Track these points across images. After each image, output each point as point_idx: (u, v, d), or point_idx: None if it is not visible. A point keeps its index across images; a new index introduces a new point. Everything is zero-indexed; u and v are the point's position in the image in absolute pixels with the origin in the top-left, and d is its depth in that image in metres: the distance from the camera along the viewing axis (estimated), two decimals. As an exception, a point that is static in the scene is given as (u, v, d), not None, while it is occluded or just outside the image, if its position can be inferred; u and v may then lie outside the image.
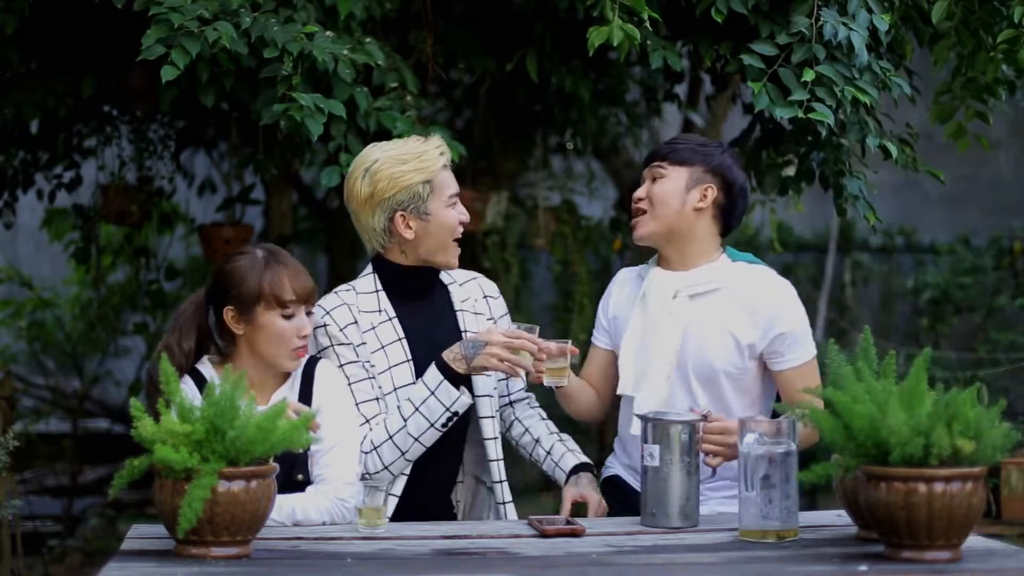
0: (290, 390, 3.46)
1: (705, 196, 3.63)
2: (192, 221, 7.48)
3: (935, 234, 9.60)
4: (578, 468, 3.69)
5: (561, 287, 7.70)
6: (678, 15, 4.47)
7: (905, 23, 4.56)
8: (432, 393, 3.49)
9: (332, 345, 3.56)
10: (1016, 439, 2.90)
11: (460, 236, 3.62)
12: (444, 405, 3.48)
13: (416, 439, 3.50)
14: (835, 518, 3.37)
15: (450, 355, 3.50)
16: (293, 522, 3.34)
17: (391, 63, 4.62)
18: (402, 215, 3.54)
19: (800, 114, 4.08)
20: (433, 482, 3.64)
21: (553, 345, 3.54)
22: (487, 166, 6.65)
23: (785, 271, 9.36)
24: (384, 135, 4.49)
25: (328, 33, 4.26)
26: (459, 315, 3.67)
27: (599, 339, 3.80)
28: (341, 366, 3.55)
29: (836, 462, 2.90)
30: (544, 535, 3.20)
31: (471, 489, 3.72)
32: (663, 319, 3.59)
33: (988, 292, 8.81)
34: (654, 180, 3.69)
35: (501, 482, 3.63)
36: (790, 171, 4.69)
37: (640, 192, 3.70)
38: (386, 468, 3.51)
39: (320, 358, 3.54)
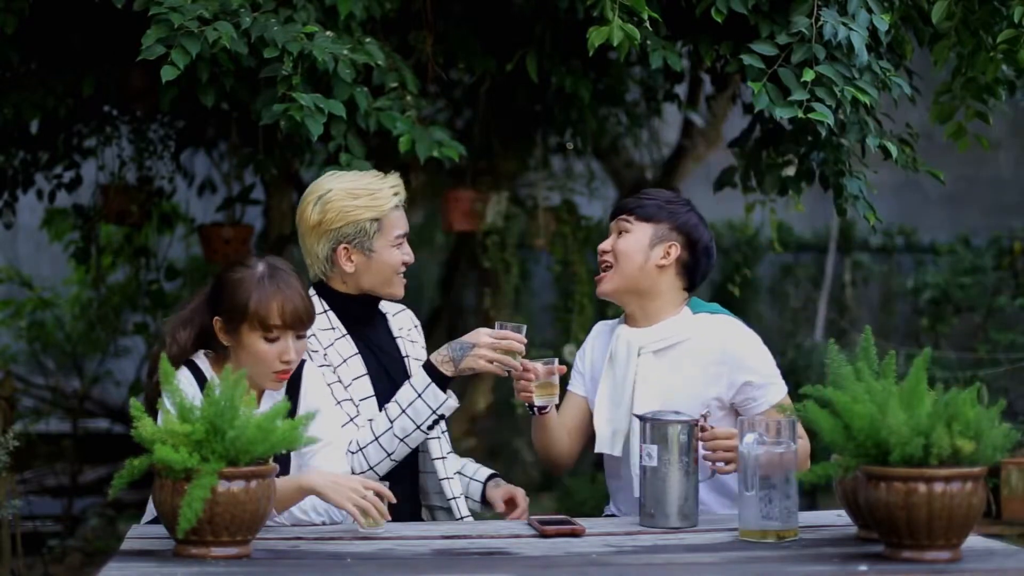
0: (279, 391, 3.46)
1: (668, 254, 3.67)
2: (192, 221, 7.47)
3: (935, 234, 9.59)
4: (491, 476, 3.81)
5: (561, 287, 7.69)
6: (678, 15, 4.47)
7: (905, 23, 4.56)
8: (419, 395, 3.52)
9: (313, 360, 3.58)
10: (1016, 439, 2.90)
11: (404, 272, 3.65)
12: (431, 408, 3.51)
13: (402, 440, 3.52)
14: (835, 518, 3.37)
15: (438, 358, 3.53)
16: (293, 522, 3.34)
17: (391, 63, 4.62)
18: (345, 247, 3.58)
19: (800, 114, 4.08)
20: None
21: (540, 367, 3.56)
22: (487, 166, 6.65)
23: (785, 271, 9.38)
24: (384, 135, 4.50)
25: (328, 33, 4.26)
26: (399, 341, 3.73)
27: (575, 385, 3.84)
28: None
29: (836, 462, 2.90)
30: (544, 535, 3.20)
31: (430, 515, 3.72)
32: (629, 377, 3.63)
33: (988, 292, 8.80)
34: (620, 234, 3.70)
35: (455, 498, 3.66)
36: (790, 171, 4.70)
37: (605, 245, 3.72)
38: (372, 468, 3.52)
39: (305, 359, 3.53)
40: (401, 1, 4.77)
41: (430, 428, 3.53)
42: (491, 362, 3.50)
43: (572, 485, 8.03)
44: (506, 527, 3.36)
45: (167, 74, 3.99)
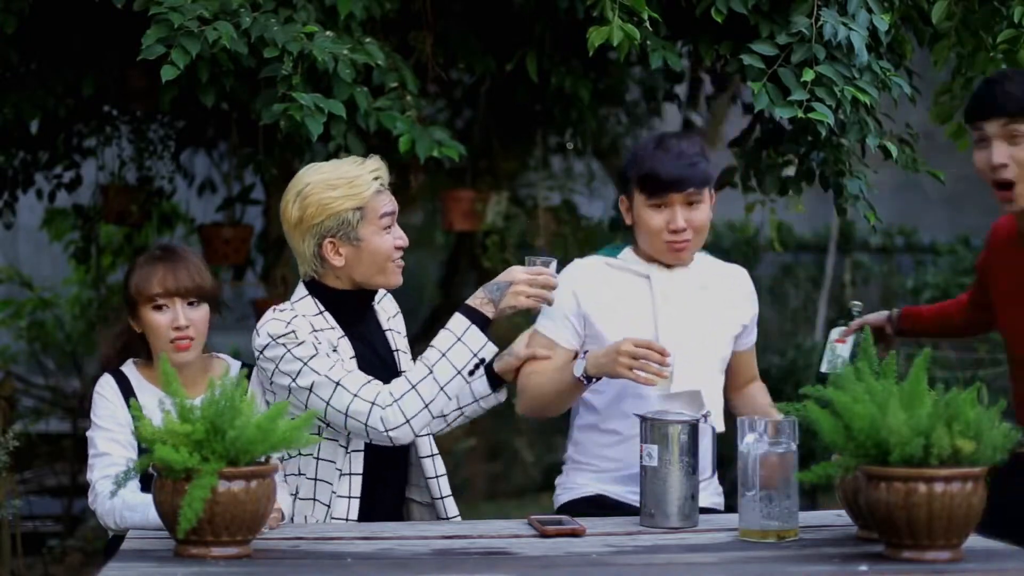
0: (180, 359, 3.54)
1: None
2: (192, 221, 7.47)
3: (935, 234, 9.59)
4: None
5: (561, 287, 7.67)
6: (678, 15, 4.47)
7: (905, 23, 4.56)
8: (459, 339, 3.42)
9: (288, 350, 3.41)
10: (1016, 439, 2.90)
11: (399, 257, 3.55)
12: (472, 350, 3.41)
13: (442, 388, 3.40)
14: (835, 518, 3.37)
15: (475, 301, 3.46)
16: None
17: (391, 63, 4.62)
18: (331, 241, 3.48)
19: (800, 114, 4.08)
20: (382, 507, 3.60)
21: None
22: (487, 166, 6.66)
23: (785, 271, 9.39)
24: (384, 135, 4.50)
25: (328, 33, 4.26)
26: (388, 335, 3.65)
27: (565, 337, 3.67)
28: (304, 363, 3.41)
29: (836, 462, 2.90)
30: (544, 535, 3.20)
31: (407, 512, 3.70)
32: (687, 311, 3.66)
33: (988, 292, 8.79)
34: (692, 207, 3.63)
35: (443, 498, 3.62)
36: (790, 171, 4.69)
37: (681, 222, 3.61)
38: (407, 422, 3.39)
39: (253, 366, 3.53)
40: (401, 1, 4.77)
41: (471, 374, 3.42)
42: (529, 297, 3.46)
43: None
44: (506, 527, 3.36)
45: (167, 74, 3.99)
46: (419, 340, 4.81)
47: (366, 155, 4.47)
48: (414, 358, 3.59)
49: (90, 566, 6.62)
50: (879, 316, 4.12)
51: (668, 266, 3.67)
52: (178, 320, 3.54)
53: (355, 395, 3.40)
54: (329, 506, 3.49)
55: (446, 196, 6.55)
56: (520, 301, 3.46)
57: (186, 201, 7.35)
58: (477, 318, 3.44)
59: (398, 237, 3.54)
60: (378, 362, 3.56)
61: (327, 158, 4.38)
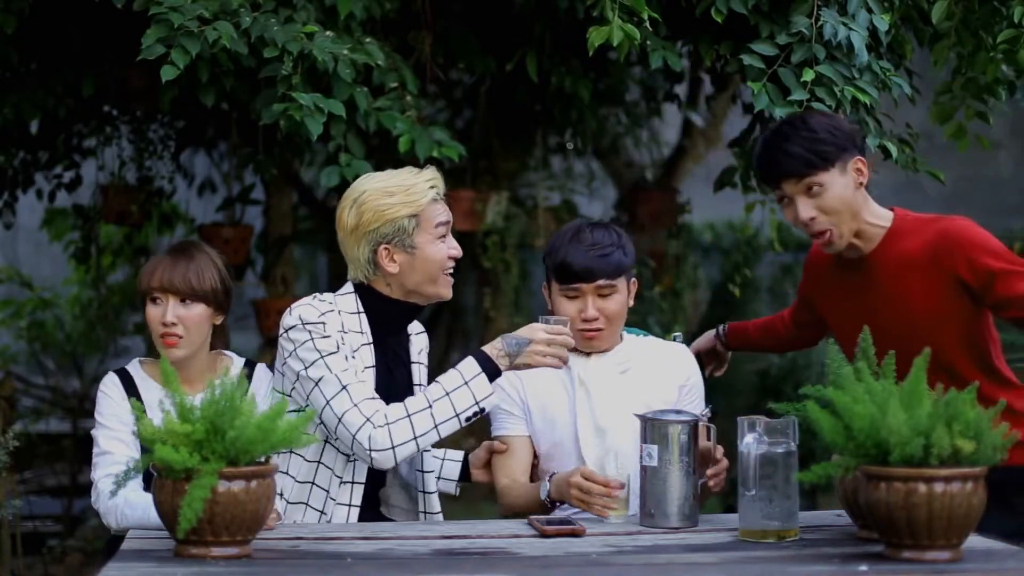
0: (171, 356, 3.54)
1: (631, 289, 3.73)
2: (192, 221, 7.47)
3: (935, 234, 9.57)
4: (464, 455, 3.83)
5: (561, 287, 7.68)
6: (678, 15, 4.47)
7: (905, 23, 4.56)
8: (466, 383, 3.42)
9: (312, 338, 3.43)
10: (1016, 439, 2.90)
11: (451, 269, 3.56)
12: (475, 398, 3.41)
13: (436, 426, 3.40)
14: (835, 518, 3.37)
15: (492, 351, 3.45)
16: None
17: (391, 63, 4.62)
18: (386, 248, 3.49)
19: (800, 114, 4.08)
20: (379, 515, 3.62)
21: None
22: (487, 166, 6.66)
23: (785, 271, 9.37)
24: (384, 135, 4.50)
25: (328, 33, 4.26)
26: (414, 367, 3.65)
27: (515, 427, 3.73)
28: (322, 357, 3.42)
29: (836, 462, 2.90)
30: (544, 535, 3.20)
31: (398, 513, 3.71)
32: (608, 397, 3.65)
33: (988, 292, 8.79)
34: (604, 297, 3.65)
35: (432, 492, 3.65)
36: (790, 171, 4.69)
37: (592, 312, 3.64)
38: (393, 448, 3.38)
39: (257, 363, 3.58)
40: (401, 1, 4.78)
41: (468, 420, 3.43)
42: (545, 356, 3.45)
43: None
44: (506, 527, 3.36)
45: (167, 74, 3.99)
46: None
47: (366, 155, 4.50)
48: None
49: (90, 566, 6.62)
50: (707, 339, 4.15)
51: (588, 354, 3.69)
52: (166, 316, 3.57)
53: (355, 405, 3.40)
54: (323, 512, 3.49)
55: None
56: (537, 360, 3.45)
57: (186, 201, 7.35)
58: (489, 368, 3.44)
59: (452, 247, 3.55)
60: (393, 384, 3.55)
61: (327, 158, 4.40)
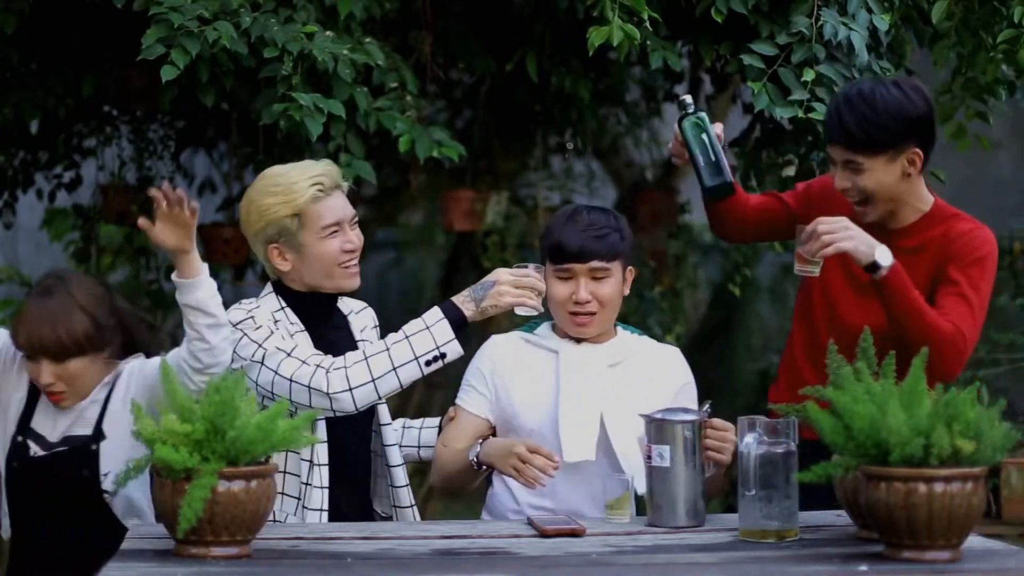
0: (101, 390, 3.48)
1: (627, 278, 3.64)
2: (192, 221, 7.46)
3: (935, 234, 9.57)
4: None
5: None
6: (678, 15, 4.47)
7: (905, 23, 4.57)
8: (427, 328, 3.35)
9: (245, 333, 3.39)
10: (1016, 439, 2.90)
11: (350, 260, 3.48)
12: (436, 342, 3.34)
13: (394, 368, 3.33)
14: (835, 518, 3.37)
15: (458, 299, 3.40)
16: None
17: (391, 63, 4.62)
18: (276, 247, 3.44)
19: (800, 114, 4.09)
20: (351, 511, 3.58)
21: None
22: (487, 166, 6.66)
23: (785, 271, 9.37)
24: (384, 135, 4.51)
25: (328, 33, 4.27)
26: (360, 345, 3.56)
27: (478, 406, 3.62)
28: (258, 344, 3.38)
29: (836, 462, 2.90)
30: (544, 535, 3.20)
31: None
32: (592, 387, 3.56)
33: (988, 292, 8.79)
34: (598, 280, 3.55)
35: (411, 506, 3.61)
36: (790, 171, 4.69)
37: (584, 294, 3.53)
38: (350, 390, 3.32)
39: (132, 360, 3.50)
40: (401, 1, 4.78)
41: (428, 364, 3.34)
42: (511, 296, 3.39)
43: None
44: (506, 527, 3.36)
45: (167, 74, 3.99)
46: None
47: (366, 155, 4.50)
48: None
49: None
50: None
51: (579, 341, 3.60)
52: (41, 377, 3.41)
53: (303, 361, 3.36)
54: (296, 515, 3.47)
55: (446, 196, 6.54)
56: (502, 301, 3.39)
57: (186, 201, 7.35)
58: (453, 314, 3.38)
59: (347, 241, 3.47)
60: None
61: (327, 158, 4.40)
